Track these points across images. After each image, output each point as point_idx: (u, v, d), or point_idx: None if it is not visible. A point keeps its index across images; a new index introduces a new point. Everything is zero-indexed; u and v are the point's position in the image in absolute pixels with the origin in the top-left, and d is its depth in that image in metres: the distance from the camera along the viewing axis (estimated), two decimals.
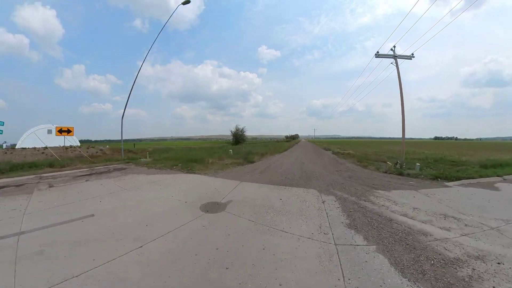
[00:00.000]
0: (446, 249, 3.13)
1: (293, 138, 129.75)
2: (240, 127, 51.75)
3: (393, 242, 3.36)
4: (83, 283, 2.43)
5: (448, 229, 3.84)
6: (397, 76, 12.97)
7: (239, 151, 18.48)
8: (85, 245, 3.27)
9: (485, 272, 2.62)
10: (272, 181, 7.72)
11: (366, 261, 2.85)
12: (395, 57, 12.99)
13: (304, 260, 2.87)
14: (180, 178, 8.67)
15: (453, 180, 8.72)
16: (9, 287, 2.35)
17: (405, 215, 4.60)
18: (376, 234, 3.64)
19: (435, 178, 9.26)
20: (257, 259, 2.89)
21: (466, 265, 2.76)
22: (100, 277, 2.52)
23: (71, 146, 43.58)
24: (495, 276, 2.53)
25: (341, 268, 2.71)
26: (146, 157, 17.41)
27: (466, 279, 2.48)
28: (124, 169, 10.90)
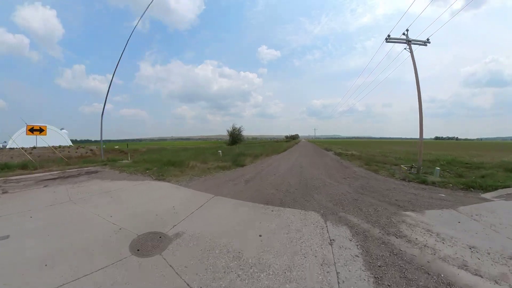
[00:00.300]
0: None
1: (293, 138, 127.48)
2: (237, 126, 49.51)
3: None
4: None
5: None
6: (412, 65, 10.99)
7: (231, 152, 16.47)
8: None
9: None
10: (257, 196, 5.73)
11: None
12: (408, 41, 11.02)
13: None
14: (142, 188, 6.86)
15: (489, 190, 7.19)
16: None
17: (464, 267, 2.67)
18: None
19: (467, 187, 7.37)
20: None
21: None
22: None
23: (60, 146, 42.02)
24: None
25: None
26: (128, 159, 15.63)
27: None
28: (96, 172, 9.78)
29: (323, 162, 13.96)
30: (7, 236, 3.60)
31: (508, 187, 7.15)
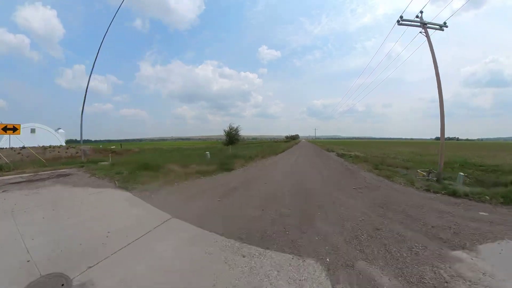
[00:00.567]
0: None
1: (293, 139, 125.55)
2: (234, 126, 47.21)
3: None
4: None
5: None
6: (429, 51, 9.38)
7: (223, 154, 14.83)
8: None
9: None
10: (232, 221, 4.07)
11: None
12: (423, 24, 9.40)
13: None
14: (94, 199, 5.57)
15: None
16: None
17: None
18: None
19: (508, 201, 5.85)
20: None
21: None
22: None
23: (50, 146, 40.57)
24: None
25: None
26: (109, 160, 14.13)
27: None
28: (66, 175, 8.92)
29: (326, 166, 12.23)
30: None
31: None
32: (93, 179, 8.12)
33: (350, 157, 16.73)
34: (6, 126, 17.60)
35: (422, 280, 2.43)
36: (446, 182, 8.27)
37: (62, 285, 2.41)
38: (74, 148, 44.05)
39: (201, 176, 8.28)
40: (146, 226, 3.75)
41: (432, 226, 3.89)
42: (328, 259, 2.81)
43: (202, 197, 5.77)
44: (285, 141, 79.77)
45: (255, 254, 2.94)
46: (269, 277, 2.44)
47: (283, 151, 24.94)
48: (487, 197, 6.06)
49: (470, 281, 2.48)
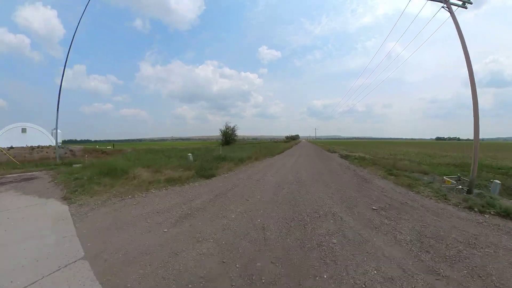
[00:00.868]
0: None
1: (293, 139, 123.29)
2: (231, 125, 45.07)
3: None
4: None
5: None
6: (455, 29, 7.60)
7: (211, 156, 13.00)
8: None
9: None
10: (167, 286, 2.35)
11: None
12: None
13: None
14: (21, 215, 4.52)
15: None
16: None
17: None
18: None
19: None
20: None
21: None
22: None
23: (38, 147, 38.99)
24: None
25: None
26: (85, 161, 12.43)
27: None
28: (28, 180, 8.10)
29: (330, 171, 10.31)
30: None
31: None
32: (50, 185, 7.22)
33: (356, 159, 14.92)
34: None
35: None
36: (478, 191, 6.54)
37: None
38: (63, 148, 42.47)
39: (169, 185, 6.52)
40: (45, 266, 2.63)
41: None
42: None
43: (146, 220, 4.08)
44: (285, 141, 77.94)
45: None
46: None
47: (281, 152, 23.13)
48: None
49: None
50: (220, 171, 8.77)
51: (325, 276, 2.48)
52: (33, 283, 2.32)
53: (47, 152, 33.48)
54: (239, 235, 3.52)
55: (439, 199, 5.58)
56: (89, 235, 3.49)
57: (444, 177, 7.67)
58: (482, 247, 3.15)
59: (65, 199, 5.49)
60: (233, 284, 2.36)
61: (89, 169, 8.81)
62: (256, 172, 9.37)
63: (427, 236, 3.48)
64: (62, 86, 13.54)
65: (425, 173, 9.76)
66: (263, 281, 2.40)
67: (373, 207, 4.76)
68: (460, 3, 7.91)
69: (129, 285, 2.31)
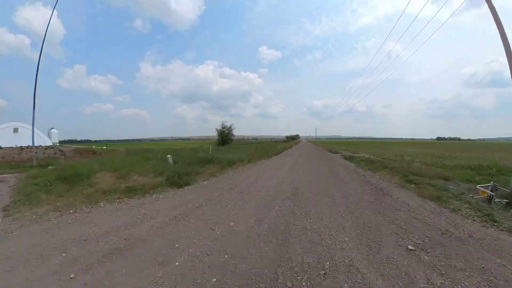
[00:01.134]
0: None
1: (293, 139, 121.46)
2: (228, 124, 42.92)
3: None
4: None
5: None
6: (489, 12, 6.12)
7: (195, 158, 11.44)
8: None
9: None
10: None
11: None
12: None
13: None
14: None
15: None
16: None
17: None
18: None
19: None
20: None
21: None
22: None
23: (28, 147, 37.73)
24: None
25: None
26: (63, 162, 11.07)
27: None
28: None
29: (335, 176, 8.65)
30: None
31: None
32: (8, 190, 6.41)
33: (362, 161, 13.35)
34: None
35: None
36: None
37: None
38: (53, 148, 41.10)
39: (126, 197, 5.10)
40: None
41: None
42: None
43: (63, 253, 2.84)
44: (285, 141, 76.42)
45: None
46: None
47: (280, 152, 21.58)
48: None
49: None
50: (200, 177, 7.24)
51: None
52: None
53: (36, 153, 32.10)
54: None
55: (484, 220, 4.05)
56: None
57: (478, 186, 6.11)
58: None
59: (5, 210, 4.61)
60: None
61: (53, 173, 7.58)
62: (244, 179, 7.75)
63: None
64: (37, 84, 12.63)
65: (446, 179, 8.26)
66: None
67: (409, 246, 3.04)
68: None
69: None
